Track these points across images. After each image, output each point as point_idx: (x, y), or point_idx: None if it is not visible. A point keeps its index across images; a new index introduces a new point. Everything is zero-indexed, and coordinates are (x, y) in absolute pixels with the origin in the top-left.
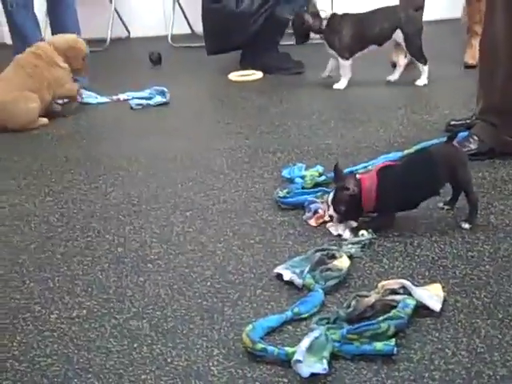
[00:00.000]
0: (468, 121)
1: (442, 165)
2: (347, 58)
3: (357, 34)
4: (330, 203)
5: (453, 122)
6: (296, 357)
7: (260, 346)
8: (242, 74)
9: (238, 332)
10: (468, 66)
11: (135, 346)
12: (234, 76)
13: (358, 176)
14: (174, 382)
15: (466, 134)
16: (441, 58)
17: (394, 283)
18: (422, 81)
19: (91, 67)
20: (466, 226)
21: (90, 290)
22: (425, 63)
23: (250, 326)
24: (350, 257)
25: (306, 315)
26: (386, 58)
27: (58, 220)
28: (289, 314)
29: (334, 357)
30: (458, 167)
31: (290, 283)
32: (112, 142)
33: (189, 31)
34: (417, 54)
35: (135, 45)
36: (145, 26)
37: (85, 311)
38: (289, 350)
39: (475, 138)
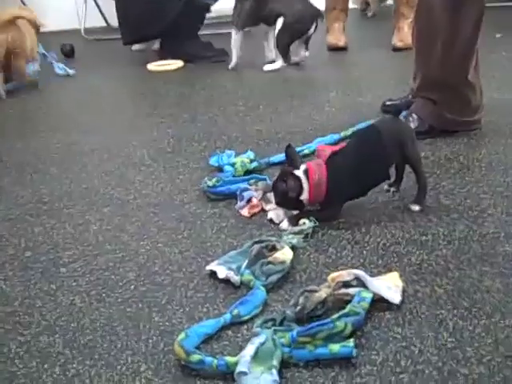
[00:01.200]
0: (404, 100)
1: (392, 142)
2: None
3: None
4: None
5: (388, 102)
6: (239, 368)
7: (196, 357)
8: (162, 64)
9: (169, 342)
10: (396, 49)
11: (46, 366)
12: (153, 66)
13: (303, 167)
14: None
15: (403, 113)
16: (366, 43)
17: (345, 274)
18: (269, 66)
19: None
20: (416, 208)
21: None
22: (285, 61)
23: (183, 334)
24: (293, 248)
25: (248, 317)
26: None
27: None
28: (227, 317)
29: (284, 364)
30: (408, 143)
31: (226, 281)
32: (19, 137)
33: (104, 24)
34: (281, 49)
35: (46, 39)
36: (56, 20)
37: None
38: (230, 359)
39: (414, 116)
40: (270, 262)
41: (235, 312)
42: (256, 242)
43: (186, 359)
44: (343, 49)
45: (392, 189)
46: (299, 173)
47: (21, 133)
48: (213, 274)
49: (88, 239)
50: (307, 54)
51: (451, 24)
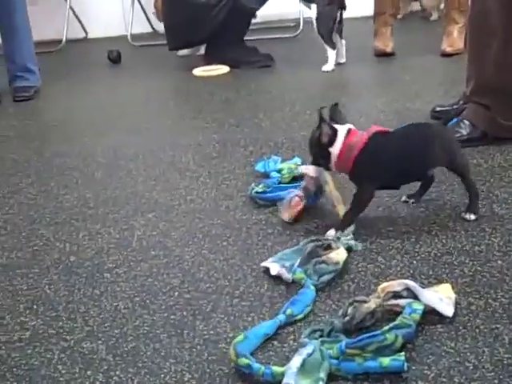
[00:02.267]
0: (454, 106)
1: (440, 146)
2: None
3: None
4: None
5: (438, 109)
6: (286, 380)
7: (244, 360)
8: (207, 69)
9: (213, 351)
10: (445, 55)
11: (89, 373)
12: (199, 71)
13: (346, 127)
14: None
15: (455, 120)
16: (414, 49)
17: (395, 285)
18: (327, 66)
19: (44, 68)
20: (472, 217)
21: (35, 307)
22: (332, 48)
23: (241, 336)
24: (349, 249)
25: (301, 316)
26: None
27: (0, 228)
28: (282, 317)
29: (331, 377)
30: (457, 151)
31: (271, 290)
32: (65, 140)
33: (150, 30)
34: (325, 35)
35: (93, 45)
36: (103, 26)
37: (28, 333)
38: (276, 369)
39: (466, 122)
40: (323, 262)
41: (288, 312)
42: (312, 241)
43: (235, 361)
44: (390, 55)
45: (411, 200)
46: (339, 127)
47: (66, 137)
48: (266, 271)
49: (132, 245)
50: (344, 41)
51: (509, 23)
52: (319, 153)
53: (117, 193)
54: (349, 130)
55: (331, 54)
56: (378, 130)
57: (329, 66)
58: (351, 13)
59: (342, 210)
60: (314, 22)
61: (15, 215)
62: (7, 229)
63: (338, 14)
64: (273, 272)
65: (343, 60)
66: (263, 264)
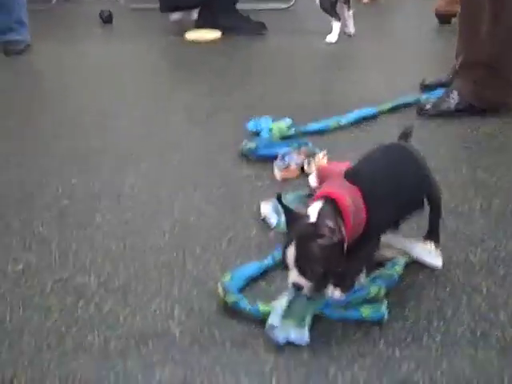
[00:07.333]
0: (443, 80)
1: (425, 167)
2: None
3: None
4: (290, 265)
5: (427, 81)
6: (270, 321)
7: (232, 297)
8: (199, 33)
9: (203, 289)
10: (439, 15)
11: (81, 304)
12: (191, 35)
13: (317, 203)
14: (127, 343)
15: (442, 91)
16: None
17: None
18: (330, 37)
19: (34, 26)
20: (433, 246)
21: (28, 244)
22: (337, 19)
23: (228, 276)
24: None
25: None
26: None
27: None
28: (269, 261)
29: (315, 317)
30: (430, 173)
31: (260, 236)
32: (58, 92)
33: None
34: (327, 8)
35: (84, 5)
36: None
37: (21, 266)
38: (263, 307)
39: (455, 93)
40: None
41: (277, 256)
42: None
43: (223, 298)
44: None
45: None
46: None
47: (58, 89)
48: (254, 221)
49: (123, 191)
50: (351, 13)
51: None
52: (337, 258)
53: (107, 144)
54: (327, 201)
55: (336, 25)
56: (350, 168)
57: (332, 37)
58: None
59: None
60: None
61: (5, 161)
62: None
63: None
64: (262, 213)
65: (352, 31)
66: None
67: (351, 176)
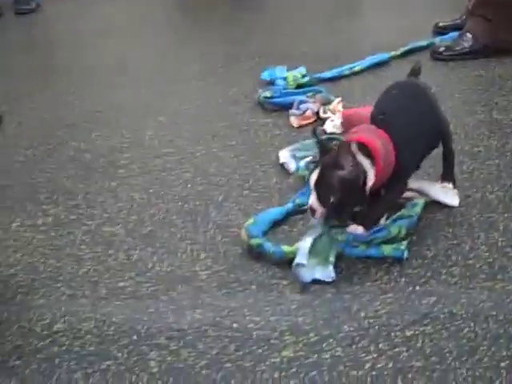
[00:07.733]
0: (458, 21)
1: (437, 101)
2: None
3: None
4: (312, 188)
5: (441, 24)
6: (298, 260)
7: (256, 241)
8: None
9: (227, 234)
10: None
11: (110, 252)
12: None
13: (354, 143)
14: (156, 288)
15: (456, 33)
16: None
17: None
18: None
19: None
20: (451, 185)
21: (55, 197)
22: None
23: (251, 220)
24: None
25: None
26: None
27: (15, 128)
28: (290, 205)
29: (338, 256)
30: (440, 110)
31: (280, 183)
32: (70, 51)
33: None
34: None
35: None
36: None
37: (50, 219)
38: (286, 248)
39: (468, 35)
40: None
41: (298, 201)
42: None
43: (247, 242)
44: None
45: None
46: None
47: (70, 48)
48: (273, 168)
49: (144, 143)
50: None
51: None
52: (351, 197)
53: (124, 99)
54: (359, 144)
55: None
56: (377, 111)
57: None
58: None
59: None
60: None
61: (28, 118)
62: (20, 129)
63: None
64: (281, 159)
65: None
66: (282, 151)
67: (378, 121)
